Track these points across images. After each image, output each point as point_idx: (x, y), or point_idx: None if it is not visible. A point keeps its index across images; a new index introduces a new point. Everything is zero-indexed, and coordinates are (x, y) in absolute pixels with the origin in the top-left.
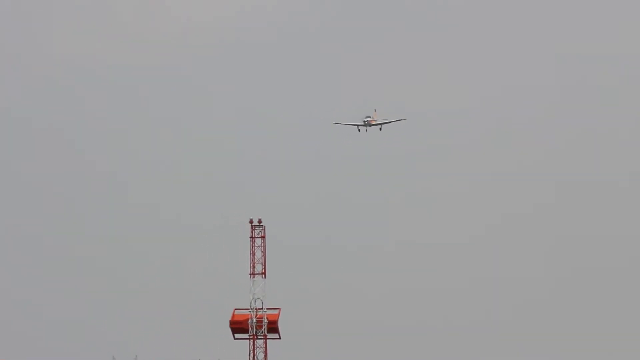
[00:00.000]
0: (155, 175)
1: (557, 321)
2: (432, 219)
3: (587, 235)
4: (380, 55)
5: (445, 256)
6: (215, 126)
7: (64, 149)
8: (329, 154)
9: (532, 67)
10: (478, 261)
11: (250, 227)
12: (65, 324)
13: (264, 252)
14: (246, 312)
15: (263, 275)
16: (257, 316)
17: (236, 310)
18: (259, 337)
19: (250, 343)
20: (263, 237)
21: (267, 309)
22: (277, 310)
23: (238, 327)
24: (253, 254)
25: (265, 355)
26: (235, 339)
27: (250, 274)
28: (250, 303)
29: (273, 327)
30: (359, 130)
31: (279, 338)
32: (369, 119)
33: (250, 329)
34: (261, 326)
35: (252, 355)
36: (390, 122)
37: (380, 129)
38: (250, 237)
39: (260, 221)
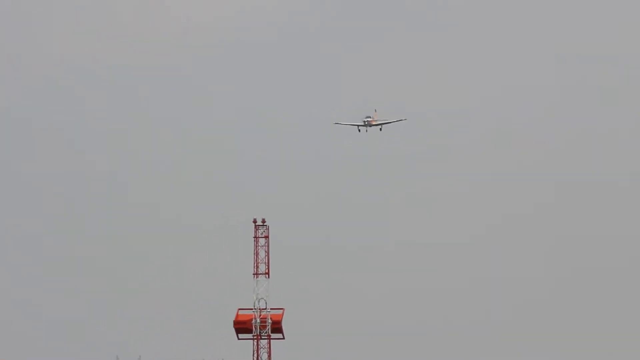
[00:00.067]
0: (155, 175)
1: (557, 321)
2: (432, 219)
3: (587, 235)
4: (380, 55)
5: (445, 256)
6: (215, 126)
7: (64, 149)
8: (329, 154)
9: (532, 67)
10: (478, 261)
11: (254, 227)
12: (66, 324)
13: (267, 252)
14: (250, 312)
15: (267, 275)
16: (261, 316)
17: (240, 311)
18: (262, 337)
19: (254, 343)
20: (267, 237)
21: (271, 309)
22: (281, 310)
23: (242, 327)
24: (257, 254)
25: (269, 356)
26: (239, 339)
27: (254, 274)
28: (254, 303)
29: (277, 327)
30: (359, 130)
31: (283, 338)
32: (369, 119)
33: (254, 329)
34: (265, 326)
35: (255, 355)
36: (390, 122)
37: (381, 129)
38: (254, 237)
39: (264, 221)
